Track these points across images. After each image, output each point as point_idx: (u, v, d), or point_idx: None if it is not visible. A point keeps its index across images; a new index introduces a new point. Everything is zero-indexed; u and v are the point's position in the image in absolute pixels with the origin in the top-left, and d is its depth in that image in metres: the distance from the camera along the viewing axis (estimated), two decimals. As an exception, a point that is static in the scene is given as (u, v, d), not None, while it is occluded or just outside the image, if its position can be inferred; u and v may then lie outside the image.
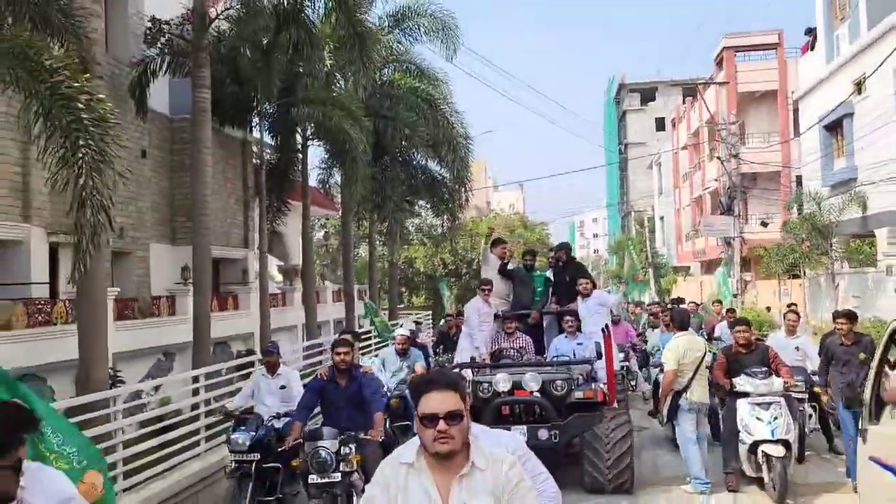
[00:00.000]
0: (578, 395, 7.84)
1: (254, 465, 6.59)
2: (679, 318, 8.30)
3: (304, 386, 6.99)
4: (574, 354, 8.77)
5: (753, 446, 7.32)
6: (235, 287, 15.80)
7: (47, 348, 9.35)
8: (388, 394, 8.18)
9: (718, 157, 25.13)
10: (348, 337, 7.14)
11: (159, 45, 12.52)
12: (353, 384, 6.41)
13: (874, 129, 18.10)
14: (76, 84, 6.15)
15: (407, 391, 8.94)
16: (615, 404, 7.99)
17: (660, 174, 56.99)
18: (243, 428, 6.95)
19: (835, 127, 21.17)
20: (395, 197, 18.87)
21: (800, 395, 8.27)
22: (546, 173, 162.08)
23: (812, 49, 23.02)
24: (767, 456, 7.16)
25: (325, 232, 33.68)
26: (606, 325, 8.53)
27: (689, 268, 46.95)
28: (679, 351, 7.71)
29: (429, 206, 23.56)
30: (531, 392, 7.78)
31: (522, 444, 3.26)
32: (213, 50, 12.23)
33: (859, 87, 19.42)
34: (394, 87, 17.72)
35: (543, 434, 7.57)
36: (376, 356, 10.59)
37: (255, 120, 14.90)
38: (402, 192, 19.68)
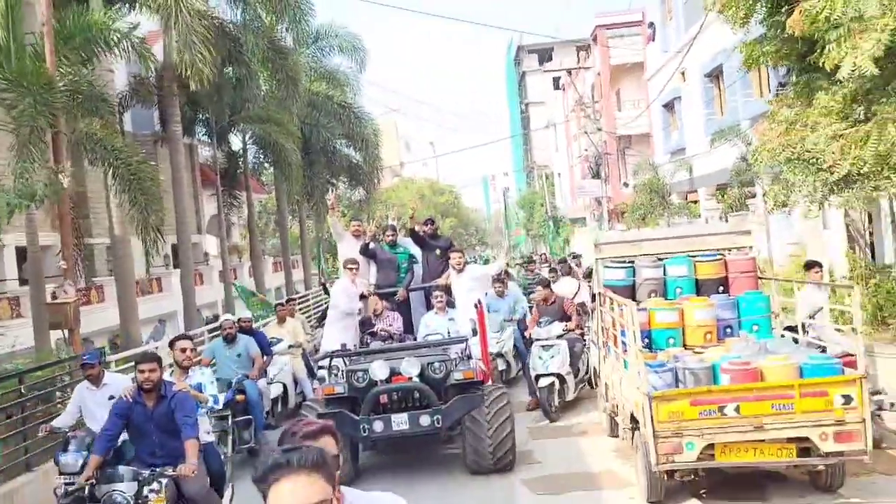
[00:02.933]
0: (458, 375, 7.60)
1: (87, 488, 5.46)
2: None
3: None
4: (449, 332, 8.61)
5: (537, 378, 9.53)
6: (199, 266, 19.88)
7: (89, 320, 13.36)
8: (210, 410, 6.82)
9: (585, 132, 30.14)
10: (181, 342, 6.46)
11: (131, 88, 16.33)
12: (161, 405, 5.47)
13: (692, 110, 23.41)
14: (134, 159, 10.24)
15: (246, 384, 8.87)
16: (490, 382, 7.99)
17: (555, 133, 62.29)
18: (73, 447, 6.38)
19: (670, 105, 26.44)
20: (320, 182, 23.11)
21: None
22: (457, 127, 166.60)
23: (653, 40, 28.10)
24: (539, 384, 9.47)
25: (258, 212, 37.55)
26: (479, 300, 8.50)
27: (584, 219, 52.69)
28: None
29: (347, 184, 27.82)
30: (410, 377, 7.48)
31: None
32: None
33: (683, 75, 24.60)
34: (315, 96, 21.79)
35: (426, 420, 7.33)
36: (209, 366, 8.91)
37: (202, 132, 18.85)
38: (325, 177, 23.92)
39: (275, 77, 16.86)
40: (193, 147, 20.28)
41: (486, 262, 22.44)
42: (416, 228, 10.29)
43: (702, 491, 6.90)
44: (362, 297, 9.18)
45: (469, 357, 7.94)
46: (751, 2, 8.59)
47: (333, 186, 26.25)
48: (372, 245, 9.76)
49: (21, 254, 13.30)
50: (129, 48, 11.16)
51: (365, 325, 9.13)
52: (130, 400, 5.49)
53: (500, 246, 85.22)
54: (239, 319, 10.13)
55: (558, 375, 9.49)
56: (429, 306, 9.47)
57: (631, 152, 38.31)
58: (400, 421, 7.37)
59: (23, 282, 13.11)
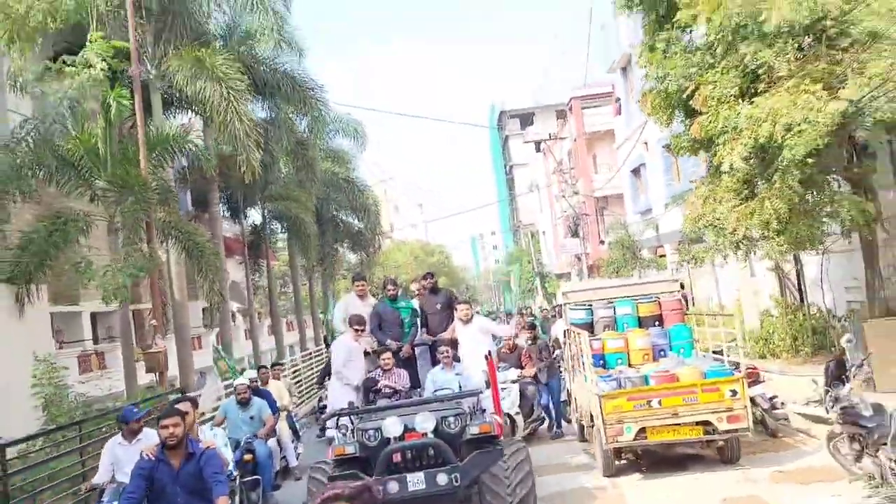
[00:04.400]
0: (474, 430, 7.32)
1: None
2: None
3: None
4: (460, 386, 8.35)
5: None
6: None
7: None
8: (232, 472, 7.01)
9: (564, 196, 33.34)
10: (181, 406, 6.15)
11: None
12: (189, 464, 5.22)
13: (655, 176, 26.63)
14: (201, 238, 13.06)
15: (256, 444, 9.05)
16: (501, 436, 7.76)
17: (539, 195, 65.86)
18: (107, 497, 6.62)
19: (637, 171, 29.71)
20: (329, 249, 26.04)
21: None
22: (446, 187, 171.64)
23: (620, 113, 31.56)
24: None
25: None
26: (489, 352, 8.55)
27: (569, 273, 55.77)
28: None
29: (350, 249, 30.83)
30: (424, 433, 7.14)
31: None
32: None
33: (646, 145, 27.92)
34: (324, 174, 24.90)
35: (443, 479, 6.93)
36: (220, 427, 9.37)
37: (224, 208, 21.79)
38: (332, 244, 26.85)
39: (295, 163, 19.89)
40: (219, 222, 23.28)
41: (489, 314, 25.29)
42: (415, 285, 10.75)
43: (643, 467, 9.62)
44: (366, 354, 9.12)
45: (483, 410, 7.91)
46: (669, 111, 11.70)
47: (337, 252, 29.22)
48: (374, 302, 9.91)
49: (92, 318, 15.97)
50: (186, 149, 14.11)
51: (369, 383, 8.87)
52: (154, 459, 5.14)
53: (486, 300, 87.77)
54: (249, 380, 10.30)
55: (508, 415, 11.04)
56: (433, 362, 9.21)
57: (608, 212, 41.63)
58: (416, 480, 6.96)
59: (95, 340, 15.71)
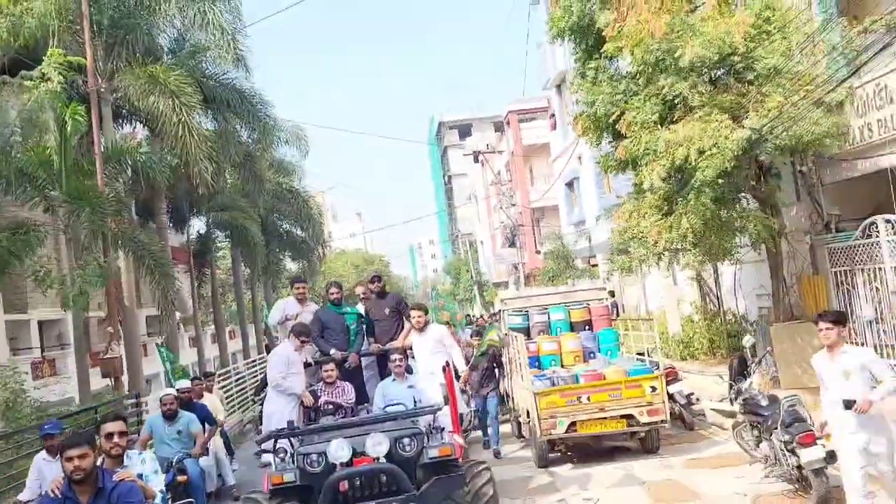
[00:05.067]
0: (433, 453, 6.41)
1: None
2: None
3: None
4: (415, 402, 7.50)
5: None
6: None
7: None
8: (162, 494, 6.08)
9: (501, 208, 34.48)
10: (110, 425, 5.24)
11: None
12: (99, 501, 4.41)
13: (588, 190, 27.97)
14: (154, 248, 13.49)
15: (187, 464, 8.26)
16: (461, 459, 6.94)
17: (477, 204, 67.18)
18: None
19: (571, 184, 31.06)
20: (274, 258, 26.49)
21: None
22: (385, 196, 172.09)
23: (555, 128, 32.93)
24: None
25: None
26: (447, 362, 7.88)
27: (507, 282, 57.12)
28: None
29: (290, 258, 31.29)
30: (376, 458, 6.27)
31: None
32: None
33: (580, 159, 29.27)
34: (269, 184, 25.40)
35: None
36: (147, 445, 8.56)
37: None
38: (276, 252, 27.29)
39: (242, 174, 20.36)
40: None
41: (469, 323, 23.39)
42: (360, 289, 9.86)
43: (574, 458, 10.58)
44: (307, 365, 8.23)
45: (441, 429, 6.86)
46: (598, 133, 12.77)
47: (280, 261, 29.65)
48: (315, 307, 9.22)
49: (39, 326, 16.09)
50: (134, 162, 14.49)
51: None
52: (60, 495, 4.34)
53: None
54: (178, 390, 9.61)
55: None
56: (382, 374, 8.53)
57: (544, 223, 43.14)
58: None
59: (42, 349, 15.85)
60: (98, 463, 4.63)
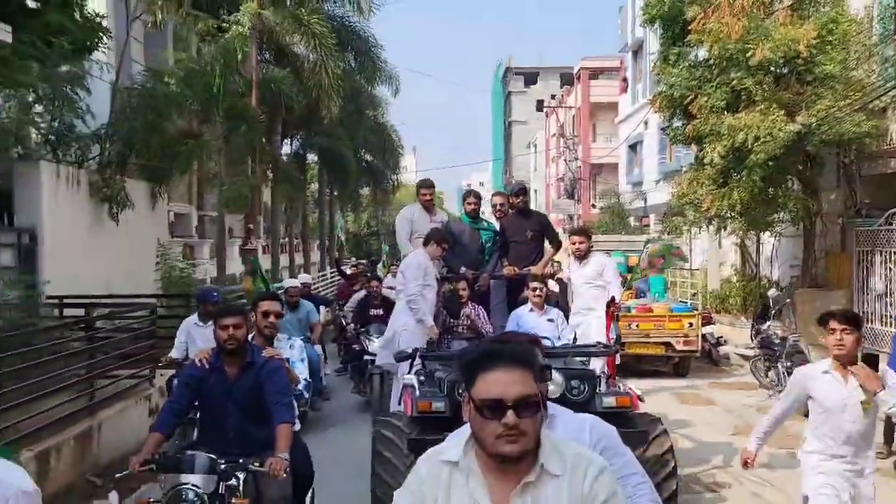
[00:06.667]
0: (608, 401, 5.31)
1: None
2: None
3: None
4: (559, 337, 6.57)
5: None
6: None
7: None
8: (304, 392, 5.25)
9: (565, 160, 36.60)
10: (267, 303, 4.92)
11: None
12: (246, 375, 4.18)
13: (650, 154, 30.00)
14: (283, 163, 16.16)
15: (308, 349, 7.55)
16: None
17: (535, 153, 69.01)
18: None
19: (634, 146, 33.00)
20: (354, 182, 29.31)
21: None
22: (443, 137, 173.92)
23: (626, 92, 34.65)
24: None
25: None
26: (612, 298, 6.71)
27: (560, 232, 59.40)
28: None
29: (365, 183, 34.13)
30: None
31: (612, 432, 2.50)
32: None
33: (646, 124, 31.17)
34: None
35: None
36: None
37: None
38: (357, 178, 30.08)
39: (346, 107, 22.87)
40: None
41: None
42: (497, 199, 8.09)
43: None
44: (440, 280, 7.16)
45: (609, 376, 5.92)
46: (672, 111, 14.97)
47: (360, 186, 32.48)
48: (444, 217, 8.14)
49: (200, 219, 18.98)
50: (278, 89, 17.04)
51: (436, 319, 6.90)
52: (207, 365, 4.23)
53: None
54: (302, 284, 10.41)
55: None
56: (512, 302, 7.51)
57: (601, 179, 45.13)
58: None
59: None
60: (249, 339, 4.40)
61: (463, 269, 7.46)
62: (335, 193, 28.50)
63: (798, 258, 16.11)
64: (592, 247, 7.53)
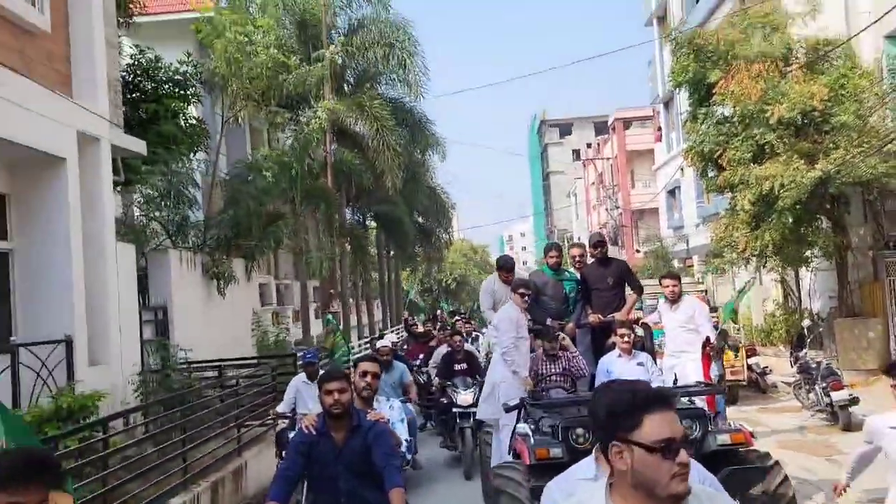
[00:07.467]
0: (723, 438, 5.41)
1: None
2: None
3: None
4: (650, 380, 5.71)
5: None
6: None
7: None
8: (406, 454, 5.45)
9: (606, 209, 38.13)
10: (366, 364, 4.93)
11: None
12: (354, 439, 4.16)
13: (688, 198, 31.40)
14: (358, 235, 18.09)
15: (406, 408, 7.96)
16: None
17: (575, 201, 70.58)
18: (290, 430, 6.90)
19: (672, 191, 34.45)
20: (410, 244, 31.30)
21: None
22: (481, 192, 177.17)
23: (660, 140, 36.30)
24: None
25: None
26: (707, 338, 7.03)
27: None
28: None
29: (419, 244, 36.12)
30: None
31: (712, 476, 2.56)
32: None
33: (682, 170, 32.67)
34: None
35: None
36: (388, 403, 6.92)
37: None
38: (412, 240, 32.08)
39: (404, 176, 24.99)
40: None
41: None
42: (575, 251, 8.48)
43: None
44: (532, 333, 7.31)
45: (718, 413, 6.14)
46: (704, 164, 16.55)
47: (415, 248, 34.47)
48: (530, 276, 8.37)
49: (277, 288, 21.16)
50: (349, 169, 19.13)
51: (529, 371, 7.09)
52: (314, 432, 4.16)
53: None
54: (393, 343, 10.68)
55: None
56: (597, 349, 7.65)
57: (642, 224, 46.57)
58: None
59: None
60: None
61: (549, 321, 7.57)
62: (391, 254, 30.47)
63: (834, 290, 17.30)
64: (683, 290, 7.92)
